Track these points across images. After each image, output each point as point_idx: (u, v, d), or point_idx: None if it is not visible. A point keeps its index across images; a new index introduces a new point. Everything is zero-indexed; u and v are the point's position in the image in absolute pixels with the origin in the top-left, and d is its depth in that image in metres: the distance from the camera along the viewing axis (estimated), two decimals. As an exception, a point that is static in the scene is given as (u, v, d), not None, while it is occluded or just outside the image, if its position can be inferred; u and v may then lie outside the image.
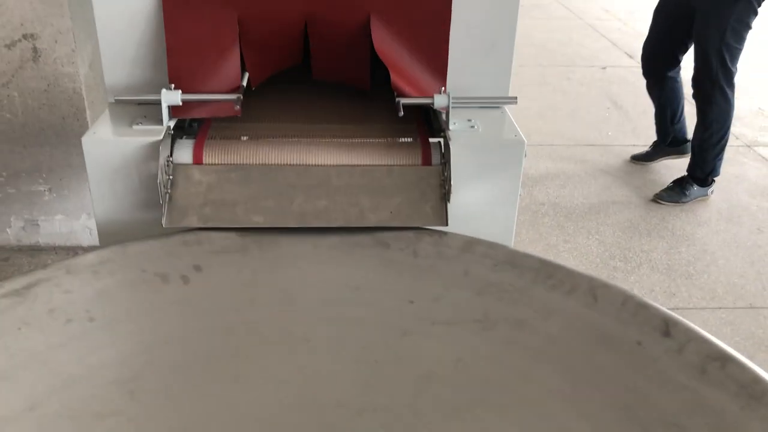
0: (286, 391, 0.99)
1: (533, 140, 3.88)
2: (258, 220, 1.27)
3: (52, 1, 2.26)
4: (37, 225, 2.65)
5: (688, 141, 3.43)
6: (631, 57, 5.37)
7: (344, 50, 1.39)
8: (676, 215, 3.15)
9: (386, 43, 1.34)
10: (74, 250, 2.68)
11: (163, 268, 1.18)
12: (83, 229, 2.66)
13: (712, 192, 3.29)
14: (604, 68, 5.14)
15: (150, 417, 0.94)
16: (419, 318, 1.12)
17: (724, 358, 1.01)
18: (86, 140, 1.26)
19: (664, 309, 1.10)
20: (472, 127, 1.35)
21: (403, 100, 1.31)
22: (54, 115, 2.45)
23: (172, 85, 1.29)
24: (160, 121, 1.30)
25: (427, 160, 1.33)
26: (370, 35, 1.34)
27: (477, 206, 1.32)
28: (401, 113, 1.29)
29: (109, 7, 1.32)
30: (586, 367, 1.02)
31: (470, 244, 1.24)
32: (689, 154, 3.33)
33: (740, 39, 2.98)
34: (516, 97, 1.39)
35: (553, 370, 1.02)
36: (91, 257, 1.18)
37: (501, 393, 1.00)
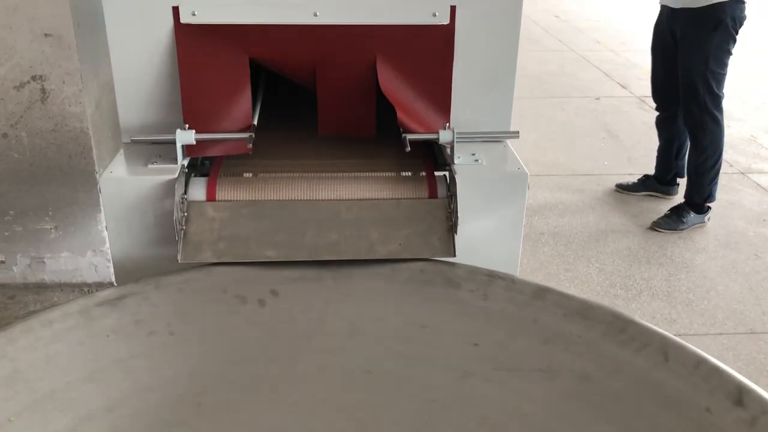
0: (344, 420, 1.02)
1: (531, 170, 3.88)
2: (270, 255, 1.30)
3: (61, 44, 2.32)
4: (43, 262, 2.67)
5: (677, 184, 3.51)
6: (624, 87, 5.47)
7: (352, 95, 1.44)
8: (674, 243, 3.19)
9: (392, 83, 1.39)
10: (80, 287, 2.70)
11: (243, 290, 1.23)
12: (89, 266, 2.68)
13: (708, 219, 3.34)
14: (598, 99, 5.22)
15: (213, 430, 0.98)
16: (482, 361, 1.12)
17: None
18: (103, 180, 1.30)
19: (738, 375, 1.05)
20: (476, 160, 1.39)
21: (410, 136, 1.36)
22: (61, 154, 2.49)
23: (186, 125, 1.34)
24: (174, 160, 1.34)
25: (433, 193, 1.38)
26: (376, 78, 1.39)
27: (483, 237, 1.36)
28: (408, 148, 1.34)
29: (124, 51, 1.37)
30: (648, 429, 0.99)
31: (542, 291, 1.24)
32: (673, 197, 3.44)
33: (722, 65, 3.07)
34: (518, 132, 1.44)
35: (614, 428, 1.00)
36: (178, 276, 1.24)
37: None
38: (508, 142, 1.48)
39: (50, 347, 1.09)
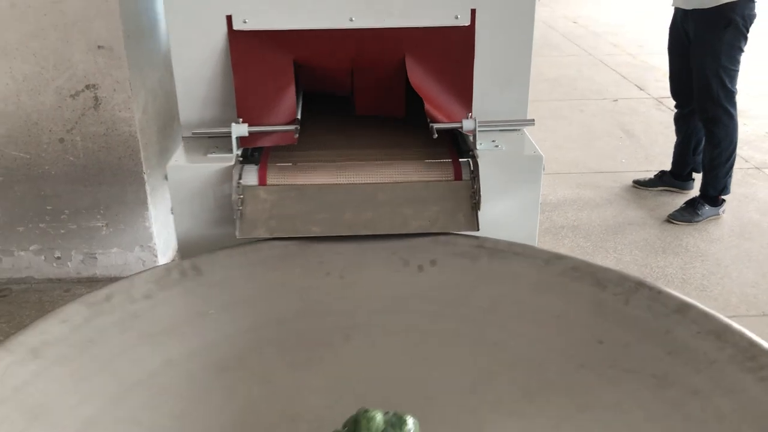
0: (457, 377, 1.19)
1: (551, 169, 4.08)
2: (315, 230, 1.48)
3: (112, 56, 2.53)
4: (95, 258, 2.87)
5: (693, 180, 3.64)
6: (641, 89, 5.59)
7: (384, 85, 1.62)
8: (689, 234, 3.32)
9: (420, 78, 1.57)
10: (128, 281, 2.90)
11: (407, 255, 1.44)
12: (137, 260, 2.88)
13: (723, 211, 3.46)
14: (616, 101, 5.35)
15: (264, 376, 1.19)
16: (601, 358, 1.20)
17: None
18: (170, 168, 1.49)
19: None
20: (496, 146, 1.56)
21: (437, 125, 1.53)
22: (111, 156, 2.69)
23: (240, 120, 1.52)
24: (229, 151, 1.52)
25: (458, 176, 1.54)
26: (405, 72, 1.57)
27: (504, 214, 1.52)
28: (435, 136, 1.51)
29: (184, 56, 1.56)
30: None
31: (686, 306, 1.26)
32: (689, 191, 3.59)
33: (735, 61, 3.21)
34: (533, 120, 1.60)
35: None
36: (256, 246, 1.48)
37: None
38: (525, 130, 1.65)
39: (161, 294, 1.35)
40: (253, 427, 1.09)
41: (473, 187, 1.51)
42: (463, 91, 1.59)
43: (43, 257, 2.84)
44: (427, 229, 1.49)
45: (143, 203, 2.77)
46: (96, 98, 2.60)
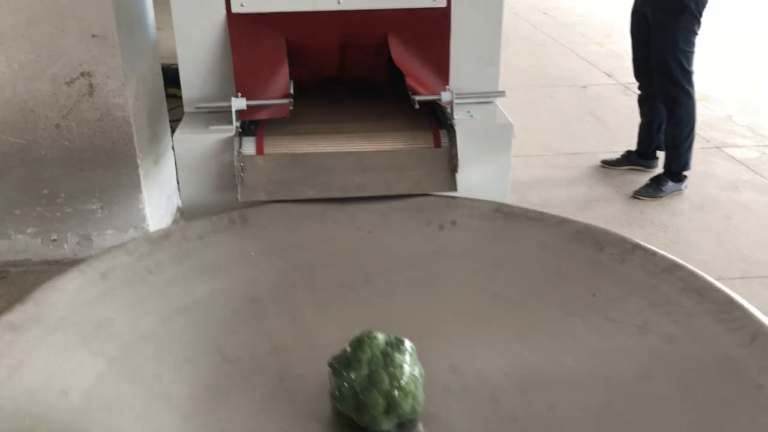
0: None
1: (523, 152, 4.27)
2: (310, 193, 1.64)
3: (105, 44, 2.65)
4: (91, 240, 2.99)
5: (657, 158, 3.85)
6: (609, 76, 5.81)
7: (369, 60, 1.78)
8: (653, 208, 3.53)
9: (401, 55, 1.73)
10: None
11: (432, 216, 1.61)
12: (131, 241, 3.00)
13: (685, 187, 3.68)
14: (585, 87, 5.57)
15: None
16: (590, 308, 1.31)
17: None
18: (176, 139, 1.64)
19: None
20: (471, 116, 1.73)
21: (418, 98, 1.69)
22: (106, 141, 2.81)
23: (239, 94, 1.67)
24: (229, 123, 1.67)
25: (438, 144, 1.71)
26: (388, 49, 1.73)
27: (479, 176, 1.69)
28: (417, 107, 1.67)
29: (187, 37, 1.71)
30: (705, 393, 1.10)
31: (676, 267, 1.37)
32: (653, 169, 3.80)
33: (691, 44, 3.43)
34: (504, 91, 1.78)
35: (672, 382, 1.14)
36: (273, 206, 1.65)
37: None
38: (497, 102, 1.82)
39: (212, 236, 1.54)
40: (278, 349, 1.28)
41: (451, 153, 1.67)
42: (440, 67, 1.75)
43: (39, 240, 2.95)
44: (410, 191, 1.65)
45: (137, 186, 2.89)
46: (90, 85, 2.72)
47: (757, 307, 2.52)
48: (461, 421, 1.17)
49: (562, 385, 1.20)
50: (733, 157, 4.15)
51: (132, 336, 1.28)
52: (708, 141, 4.37)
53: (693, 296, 1.29)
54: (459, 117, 1.72)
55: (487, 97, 1.79)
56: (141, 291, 1.38)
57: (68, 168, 2.83)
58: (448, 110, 1.73)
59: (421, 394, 1.16)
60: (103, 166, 2.85)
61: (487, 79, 1.79)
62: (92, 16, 2.59)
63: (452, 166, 1.66)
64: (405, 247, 1.54)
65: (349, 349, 1.16)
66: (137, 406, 1.15)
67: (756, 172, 3.93)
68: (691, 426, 1.09)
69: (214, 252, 1.51)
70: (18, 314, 1.26)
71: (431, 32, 1.74)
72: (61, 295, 1.33)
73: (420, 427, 1.17)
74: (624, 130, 4.56)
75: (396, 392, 1.12)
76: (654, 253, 1.43)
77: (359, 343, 1.15)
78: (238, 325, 1.34)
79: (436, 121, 1.82)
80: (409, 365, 1.15)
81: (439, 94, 1.70)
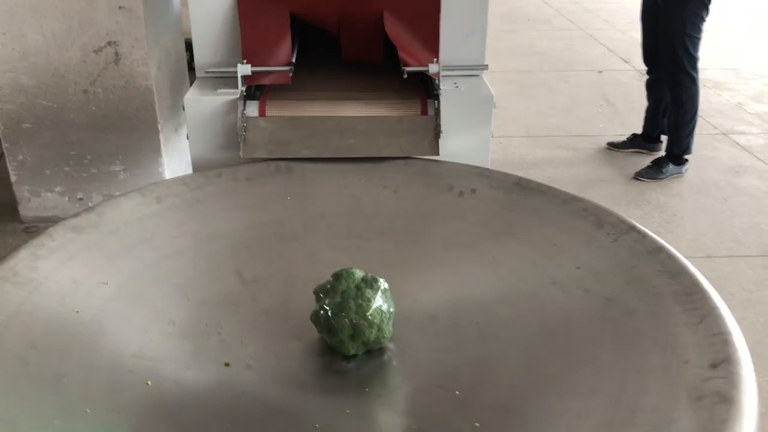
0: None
1: (532, 132, 4.40)
2: (306, 153, 1.81)
3: (132, 15, 2.84)
4: (114, 200, 3.20)
5: (662, 142, 3.95)
6: (626, 62, 5.88)
7: (365, 35, 1.94)
8: (653, 189, 3.64)
9: (395, 29, 1.88)
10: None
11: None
12: (151, 202, 3.20)
13: (686, 170, 3.78)
14: (600, 72, 5.65)
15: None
16: (572, 279, 1.43)
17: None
18: (187, 99, 1.81)
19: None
20: (457, 87, 1.88)
21: (408, 68, 1.85)
22: (129, 107, 3.01)
23: (245, 61, 1.84)
24: (236, 87, 1.84)
25: (425, 112, 1.87)
26: (383, 24, 1.89)
27: (462, 142, 1.85)
28: (405, 76, 1.83)
29: (200, 8, 1.88)
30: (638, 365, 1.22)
31: (659, 249, 1.45)
32: (656, 153, 3.90)
33: (698, 30, 3.51)
34: (487, 65, 1.92)
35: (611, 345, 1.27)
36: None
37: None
38: (483, 76, 1.97)
39: (258, 179, 1.77)
40: (288, 277, 1.51)
41: (436, 121, 1.83)
42: (431, 41, 1.90)
43: (66, 198, 3.17)
44: (397, 154, 1.81)
45: (157, 150, 3.09)
46: (117, 54, 2.91)
47: (738, 283, 2.67)
48: (426, 353, 1.33)
49: (514, 330, 1.36)
50: (738, 144, 4.23)
51: (168, 250, 1.53)
52: (715, 127, 4.45)
53: (665, 278, 1.38)
54: (445, 88, 1.87)
55: (472, 69, 1.94)
56: (186, 216, 1.63)
57: (94, 131, 3.04)
58: (436, 82, 1.88)
59: (387, 328, 1.32)
60: (126, 131, 3.04)
61: (473, 53, 1.94)
62: (120, -11, 2.78)
63: (436, 133, 1.82)
64: (423, 207, 1.70)
65: (330, 279, 1.33)
66: (158, 304, 1.39)
67: (759, 159, 4.01)
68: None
69: (257, 192, 1.73)
70: (82, 219, 1.55)
71: (423, 9, 1.89)
72: (120, 210, 1.60)
73: (386, 356, 1.34)
74: (634, 114, 4.65)
75: (361, 321, 1.28)
76: (645, 236, 1.52)
77: (338, 276, 1.32)
78: (260, 254, 1.57)
79: (426, 91, 1.98)
80: (378, 300, 1.32)
81: (428, 66, 1.86)
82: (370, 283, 1.33)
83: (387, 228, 1.64)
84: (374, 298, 1.31)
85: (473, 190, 1.73)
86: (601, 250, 1.50)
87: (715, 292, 1.32)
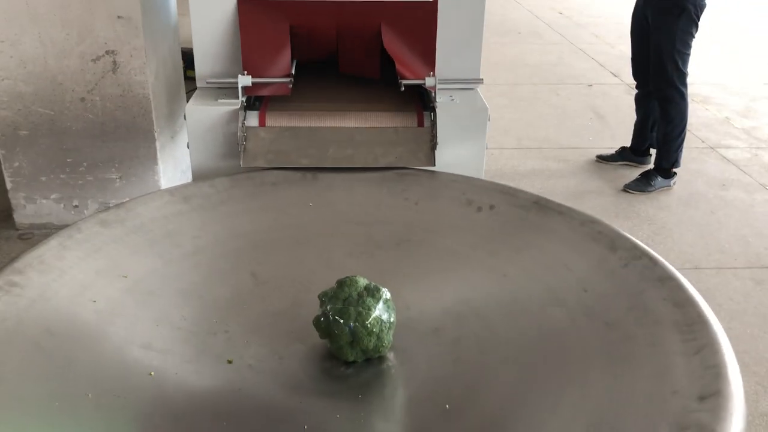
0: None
1: (523, 144, 4.46)
2: (305, 162, 1.84)
3: (130, 25, 2.87)
4: (109, 207, 3.22)
5: (650, 155, 4.02)
6: (615, 75, 5.97)
7: (362, 49, 1.98)
8: (641, 201, 3.70)
9: (392, 43, 1.93)
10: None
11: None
12: (146, 210, 3.23)
13: (674, 183, 3.85)
14: (590, 85, 5.72)
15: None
16: (576, 300, 1.45)
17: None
18: (188, 109, 1.85)
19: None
20: (452, 100, 1.93)
21: (405, 81, 1.89)
22: (127, 115, 3.03)
23: (245, 72, 1.88)
24: (236, 98, 1.88)
25: (421, 123, 1.91)
26: (380, 38, 1.93)
27: (457, 153, 1.89)
28: (402, 89, 1.87)
29: (202, 21, 1.92)
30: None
31: (668, 278, 1.44)
32: (645, 166, 3.96)
33: (687, 46, 3.59)
34: (482, 78, 1.97)
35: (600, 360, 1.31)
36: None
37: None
38: (478, 89, 2.01)
39: (284, 184, 1.83)
40: (300, 282, 1.55)
41: (432, 132, 1.87)
42: (427, 55, 1.95)
43: (62, 205, 3.18)
44: (393, 164, 1.85)
45: (153, 158, 3.11)
46: (114, 63, 2.94)
47: (725, 294, 2.72)
48: (424, 364, 1.36)
49: (513, 347, 1.39)
50: (725, 158, 4.30)
51: (189, 248, 1.60)
52: (703, 141, 4.52)
53: (669, 306, 1.37)
54: (441, 100, 1.92)
55: (467, 83, 1.99)
56: (210, 216, 1.70)
57: (91, 139, 3.06)
58: (433, 95, 1.92)
59: (387, 337, 1.34)
60: (123, 139, 3.07)
61: (468, 68, 1.99)
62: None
63: (432, 144, 1.86)
64: (441, 220, 1.74)
65: (335, 285, 1.36)
66: (172, 300, 1.46)
67: (745, 172, 4.08)
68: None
69: (281, 197, 1.79)
70: (110, 214, 1.64)
71: (420, 24, 1.93)
72: (147, 207, 1.68)
73: (385, 365, 1.36)
74: (623, 127, 4.72)
75: (360, 328, 1.31)
76: (656, 263, 1.48)
77: (342, 283, 1.35)
78: (276, 256, 1.62)
79: (423, 104, 2.02)
80: (379, 310, 1.34)
81: (424, 79, 1.90)
82: (372, 291, 1.36)
83: (403, 239, 1.68)
84: (374, 307, 1.33)
85: (492, 206, 1.75)
86: (611, 274, 1.49)
87: (718, 324, 1.30)
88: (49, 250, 1.49)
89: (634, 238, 1.60)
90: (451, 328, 1.44)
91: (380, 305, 1.34)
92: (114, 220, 1.62)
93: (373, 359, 1.36)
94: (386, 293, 1.36)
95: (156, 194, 1.74)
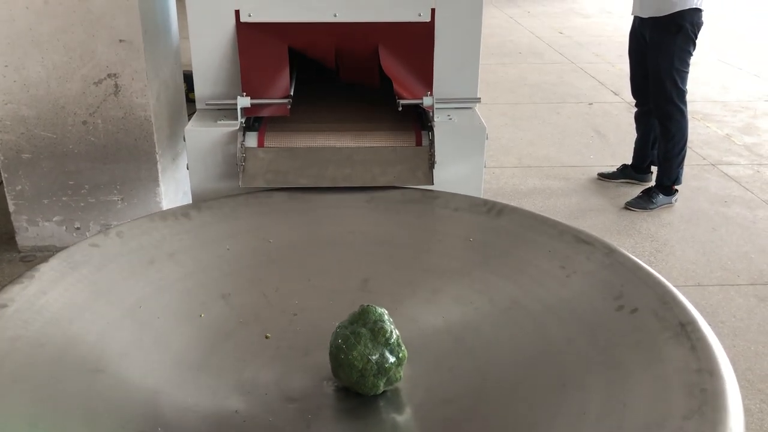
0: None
1: (524, 163, 4.47)
2: (303, 182, 1.85)
3: (132, 48, 2.90)
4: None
5: (651, 172, 4.02)
6: (616, 94, 5.99)
7: (361, 63, 2.00)
8: (643, 219, 3.69)
9: (390, 63, 1.94)
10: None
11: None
12: (148, 232, 3.23)
13: (675, 200, 3.84)
14: (591, 104, 5.74)
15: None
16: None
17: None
18: (187, 131, 1.86)
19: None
20: (450, 119, 1.94)
21: (403, 101, 1.90)
22: (128, 138, 3.05)
23: (244, 93, 1.89)
24: (235, 119, 1.89)
25: (419, 142, 1.91)
26: (378, 57, 1.95)
27: (455, 172, 1.89)
28: (400, 109, 1.88)
29: (201, 43, 1.94)
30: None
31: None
32: (646, 184, 3.97)
33: (685, 64, 3.60)
34: (480, 98, 1.98)
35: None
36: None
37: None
38: (476, 108, 2.02)
39: (280, 206, 1.84)
40: (302, 292, 1.58)
41: (430, 151, 1.88)
42: (424, 74, 1.96)
43: (64, 227, 3.19)
44: (392, 183, 1.85)
45: (155, 180, 3.12)
46: (116, 86, 2.96)
47: (729, 311, 2.70)
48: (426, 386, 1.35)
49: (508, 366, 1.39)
50: (726, 174, 4.30)
51: (188, 268, 1.62)
52: (704, 158, 4.53)
53: (671, 325, 1.39)
54: (439, 119, 1.92)
55: (465, 102, 2.00)
56: (205, 236, 1.72)
57: (93, 162, 3.08)
58: (430, 114, 1.93)
59: (381, 382, 1.26)
60: (124, 161, 3.08)
61: (466, 87, 2.00)
62: (121, 23, 2.84)
63: (431, 163, 1.86)
64: (439, 239, 1.75)
65: (356, 311, 1.31)
66: (169, 317, 1.47)
67: (747, 189, 4.08)
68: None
69: (285, 217, 1.81)
70: (101, 237, 1.67)
71: (417, 44, 1.95)
72: (144, 227, 1.72)
73: (381, 403, 1.31)
74: (624, 145, 4.73)
75: (355, 370, 1.26)
76: (658, 282, 1.53)
77: (364, 314, 1.29)
78: (275, 265, 1.66)
79: (421, 123, 2.03)
80: (375, 353, 1.25)
81: (422, 99, 1.91)
82: (376, 334, 1.28)
83: (401, 257, 1.69)
84: (374, 352, 1.26)
85: (492, 226, 1.76)
86: (609, 297, 1.50)
87: (720, 348, 1.30)
88: (50, 269, 1.50)
89: (638, 260, 1.61)
90: (449, 348, 1.43)
91: (379, 347, 1.27)
92: (107, 242, 1.64)
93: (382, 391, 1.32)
94: (395, 333, 1.29)
95: (156, 215, 1.74)
